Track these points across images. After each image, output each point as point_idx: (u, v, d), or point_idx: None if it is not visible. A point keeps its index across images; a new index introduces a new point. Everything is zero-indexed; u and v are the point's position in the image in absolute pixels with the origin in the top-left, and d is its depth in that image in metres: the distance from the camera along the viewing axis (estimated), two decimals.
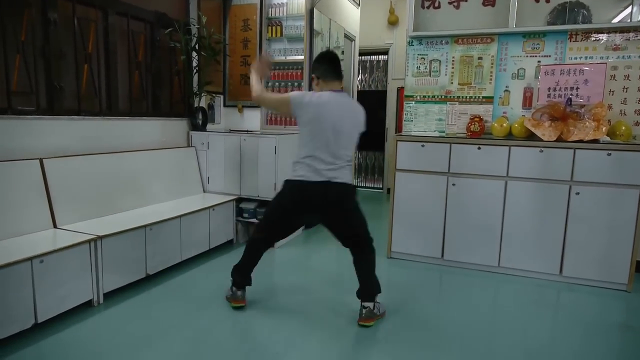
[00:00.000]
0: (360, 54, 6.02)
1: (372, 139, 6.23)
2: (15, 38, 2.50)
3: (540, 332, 2.32)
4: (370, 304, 2.30)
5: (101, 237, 2.45)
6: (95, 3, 2.99)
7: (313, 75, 2.37)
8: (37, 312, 2.13)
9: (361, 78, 7.02)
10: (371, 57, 6.71)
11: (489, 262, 3.15)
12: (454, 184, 3.16)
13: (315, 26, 4.05)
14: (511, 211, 3.05)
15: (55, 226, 2.58)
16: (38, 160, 2.55)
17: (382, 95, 6.38)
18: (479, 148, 3.08)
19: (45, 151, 2.64)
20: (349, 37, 5.20)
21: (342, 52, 4.90)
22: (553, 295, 2.86)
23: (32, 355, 2.00)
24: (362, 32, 5.73)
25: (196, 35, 3.69)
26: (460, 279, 3.05)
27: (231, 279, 2.54)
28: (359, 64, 6.49)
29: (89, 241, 2.38)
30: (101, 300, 2.50)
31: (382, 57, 6.62)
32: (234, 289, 2.52)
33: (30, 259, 2.08)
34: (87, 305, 2.44)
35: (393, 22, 5.87)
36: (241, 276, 2.50)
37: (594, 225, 2.86)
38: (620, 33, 3.08)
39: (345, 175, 2.26)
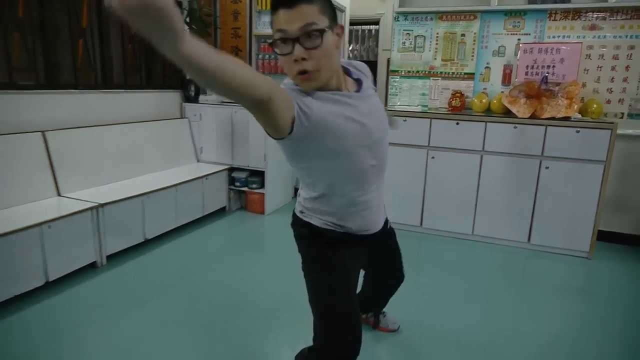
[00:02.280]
0: (352, 24, 6.06)
1: None
2: (13, 16, 2.61)
3: (504, 293, 2.59)
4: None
5: (102, 205, 2.65)
6: None
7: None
8: (48, 272, 2.35)
9: (352, 47, 7.06)
10: (363, 26, 6.74)
11: (464, 230, 3.38)
12: (433, 157, 3.36)
13: None
14: (485, 183, 3.25)
15: (59, 194, 2.77)
16: (40, 133, 2.72)
17: (373, 65, 6.46)
18: (457, 123, 3.26)
19: (47, 124, 2.79)
20: (339, 9, 5.24)
21: None
22: (520, 260, 3.11)
23: (44, 309, 2.24)
24: (354, 2, 5.75)
25: (187, 9, 3.76)
26: (437, 246, 3.30)
27: None
28: (350, 33, 6.54)
29: (91, 208, 2.59)
30: (104, 262, 2.72)
31: (374, 27, 6.65)
32: None
33: (40, 224, 2.29)
34: (92, 267, 2.67)
35: None
36: None
37: (560, 198, 3.08)
38: (597, 12, 3.20)
39: None
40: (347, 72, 1.33)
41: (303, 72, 1.13)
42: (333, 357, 1.36)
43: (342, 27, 1.21)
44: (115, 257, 2.81)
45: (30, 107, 2.72)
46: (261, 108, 1.02)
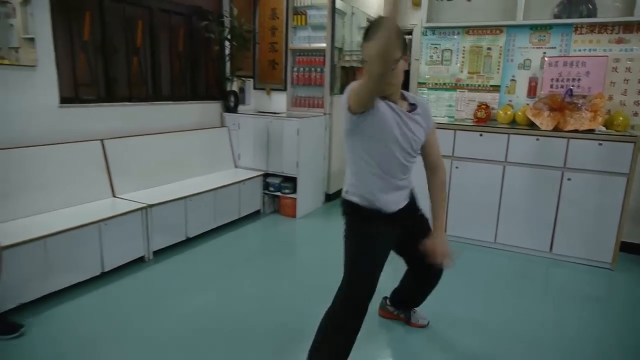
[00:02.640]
0: None
1: None
2: (80, 39, 2.99)
3: (524, 299, 2.68)
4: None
5: (151, 206, 2.97)
6: (142, 2, 3.43)
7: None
8: (104, 263, 2.69)
9: None
10: None
11: (486, 237, 3.49)
12: (457, 167, 3.49)
13: (338, 14, 4.35)
14: (508, 193, 3.35)
15: (114, 195, 3.13)
16: (100, 141, 3.09)
17: (407, 74, 6.60)
18: (481, 135, 3.38)
19: (105, 133, 3.16)
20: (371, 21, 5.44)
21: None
22: (542, 269, 3.19)
23: (100, 295, 2.57)
24: None
25: (228, 26, 4.09)
26: (460, 252, 3.42)
27: None
28: None
29: (141, 209, 2.91)
30: (151, 257, 3.05)
31: (407, 37, 6.80)
32: None
33: (98, 222, 2.63)
34: (140, 260, 2.99)
35: (416, 4, 6.03)
36: None
37: (583, 209, 3.14)
38: (623, 26, 3.24)
39: None
40: (405, 96, 1.80)
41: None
42: (348, 302, 1.72)
43: (407, 57, 1.71)
44: (160, 253, 3.13)
45: (91, 118, 3.10)
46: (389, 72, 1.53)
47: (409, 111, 1.75)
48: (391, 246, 1.88)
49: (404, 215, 1.86)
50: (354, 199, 1.80)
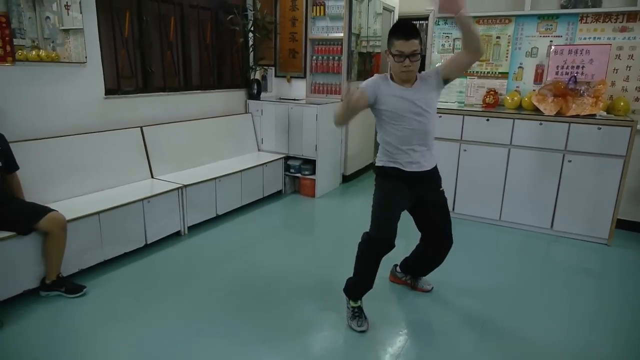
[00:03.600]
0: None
1: None
2: (121, 36, 3.33)
3: (524, 273, 2.96)
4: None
5: (185, 186, 3.33)
6: (174, 0, 3.74)
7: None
8: (147, 236, 3.07)
9: None
10: (414, 21, 7.03)
11: (492, 215, 3.75)
12: (465, 150, 3.73)
13: (354, 3, 4.57)
14: (512, 174, 3.59)
15: (152, 177, 3.50)
16: (139, 128, 3.45)
17: (423, 58, 6.76)
18: (488, 120, 3.61)
19: (144, 120, 3.52)
20: (387, 9, 5.63)
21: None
22: (543, 244, 3.44)
23: (145, 263, 2.95)
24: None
25: (252, 19, 4.37)
26: (468, 229, 3.69)
27: None
28: None
29: (177, 189, 3.28)
30: (186, 232, 3.42)
31: (424, 22, 6.93)
32: None
33: (142, 200, 3.00)
34: (177, 235, 3.37)
35: None
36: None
37: (582, 188, 3.37)
38: (627, 15, 3.40)
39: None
40: (419, 77, 2.17)
41: (406, 71, 2.05)
42: (374, 243, 2.16)
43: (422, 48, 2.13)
44: (194, 228, 3.50)
45: (131, 107, 3.45)
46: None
47: (410, 86, 2.13)
48: (407, 201, 2.24)
49: (424, 180, 2.22)
50: (379, 163, 2.26)
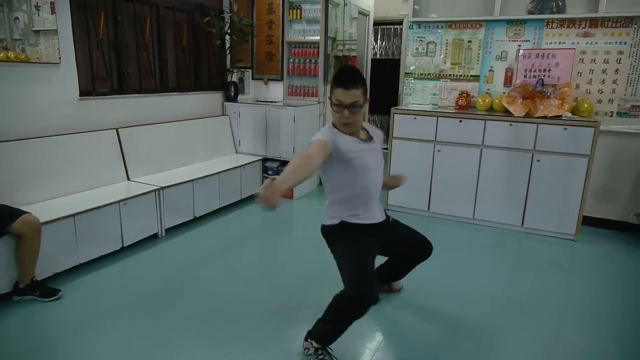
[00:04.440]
0: (376, 24, 6.52)
1: (385, 105, 6.83)
2: (96, 37, 3.29)
3: (497, 269, 3.06)
4: None
5: (162, 188, 3.31)
6: (150, 0, 3.71)
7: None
8: (124, 238, 3.04)
9: (379, 45, 7.51)
10: (388, 25, 7.17)
11: (465, 214, 3.86)
12: (439, 150, 3.83)
13: (331, 4, 4.63)
14: (485, 174, 3.71)
15: (128, 179, 3.46)
16: (115, 130, 3.41)
17: (397, 63, 6.90)
18: (460, 121, 3.72)
19: (119, 122, 3.48)
20: (363, 13, 5.73)
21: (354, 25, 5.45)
22: (515, 241, 3.56)
23: (122, 266, 2.92)
24: (378, 4, 6.21)
25: (228, 21, 4.38)
26: (442, 228, 3.79)
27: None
28: (376, 32, 6.99)
29: (154, 190, 3.25)
30: (164, 234, 3.40)
31: (399, 27, 7.08)
32: None
33: (118, 202, 2.97)
34: (154, 237, 3.34)
35: None
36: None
37: (550, 187, 3.51)
38: (589, 21, 3.57)
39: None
40: (364, 127, 2.11)
41: (346, 123, 1.93)
42: (353, 302, 1.85)
43: (368, 99, 2.01)
44: (171, 230, 3.48)
45: (107, 109, 3.41)
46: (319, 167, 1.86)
47: (367, 140, 2.05)
48: (377, 250, 2.10)
49: (383, 226, 2.17)
50: (336, 221, 2.05)
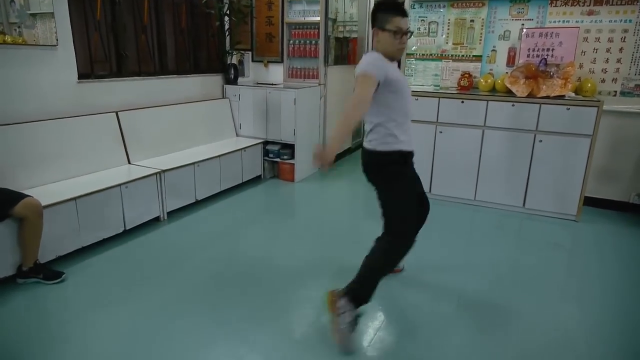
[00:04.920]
0: None
1: None
2: (93, 19, 3.25)
3: (498, 248, 3.07)
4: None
5: (164, 171, 3.31)
6: None
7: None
8: (126, 222, 3.05)
9: None
10: None
11: (467, 195, 3.86)
12: (441, 132, 3.81)
13: None
14: (486, 155, 3.69)
15: (129, 162, 3.46)
16: (114, 113, 3.39)
17: None
18: (462, 102, 3.68)
19: (119, 105, 3.46)
20: None
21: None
22: (516, 222, 3.56)
23: (124, 249, 2.94)
24: None
25: (227, 2, 4.31)
26: (444, 209, 3.78)
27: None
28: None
29: (155, 174, 3.25)
30: (165, 217, 3.41)
31: None
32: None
33: (119, 185, 2.97)
34: (156, 220, 3.35)
35: None
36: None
37: (552, 167, 3.49)
38: None
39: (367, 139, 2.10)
40: None
41: (401, 49, 2.03)
42: (406, 243, 2.03)
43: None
44: (173, 213, 3.49)
45: (106, 92, 3.39)
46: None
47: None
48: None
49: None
50: (390, 147, 2.01)
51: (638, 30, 3.43)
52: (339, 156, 5.39)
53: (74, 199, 2.69)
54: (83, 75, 3.21)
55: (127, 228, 3.07)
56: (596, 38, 3.57)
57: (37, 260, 2.47)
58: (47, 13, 2.92)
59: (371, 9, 2.10)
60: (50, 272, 2.50)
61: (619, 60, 3.53)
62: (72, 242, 2.73)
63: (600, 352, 2.00)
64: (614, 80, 3.58)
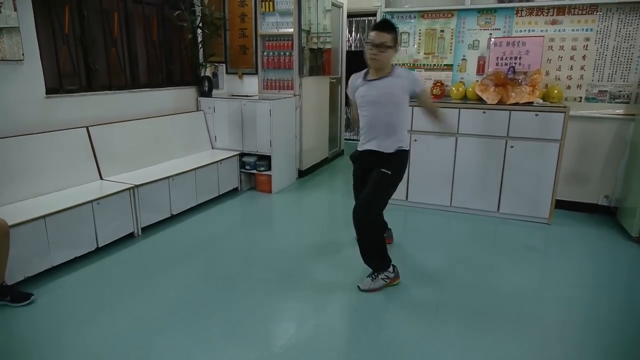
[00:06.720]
0: (350, 16, 6.51)
1: None
2: (61, 32, 3.18)
3: (474, 252, 3.11)
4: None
5: (137, 186, 3.24)
6: None
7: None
8: (98, 239, 2.97)
9: (354, 37, 7.50)
10: (362, 17, 7.17)
11: (443, 202, 3.91)
12: (415, 140, 3.86)
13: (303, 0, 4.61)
14: (460, 162, 3.76)
15: (101, 178, 3.38)
16: (85, 128, 3.31)
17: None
18: None
19: (89, 120, 3.39)
20: (336, 5, 5.71)
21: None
22: (491, 227, 3.63)
23: (97, 268, 2.85)
24: None
25: (200, 14, 4.30)
26: (421, 216, 3.83)
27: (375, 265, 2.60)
28: (350, 24, 6.98)
29: (128, 189, 3.18)
30: (140, 233, 3.33)
31: (372, 18, 7.08)
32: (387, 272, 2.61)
33: (91, 201, 2.89)
34: (130, 236, 3.28)
35: None
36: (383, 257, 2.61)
37: (524, 172, 3.58)
38: (557, 9, 3.64)
39: None
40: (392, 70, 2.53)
41: (372, 58, 2.42)
42: (381, 223, 2.81)
43: (398, 47, 2.55)
44: (148, 229, 3.41)
45: (75, 107, 3.31)
46: None
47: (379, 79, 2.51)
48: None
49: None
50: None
51: (599, 38, 3.58)
52: (317, 166, 5.40)
53: (43, 217, 2.61)
54: (51, 90, 3.13)
55: (99, 245, 2.99)
56: (560, 46, 3.71)
57: (3, 282, 2.37)
58: (13, 27, 2.85)
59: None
60: (18, 294, 2.40)
61: (582, 68, 3.67)
62: (42, 262, 2.64)
63: (576, 354, 2.04)
64: (579, 86, 3.71)
